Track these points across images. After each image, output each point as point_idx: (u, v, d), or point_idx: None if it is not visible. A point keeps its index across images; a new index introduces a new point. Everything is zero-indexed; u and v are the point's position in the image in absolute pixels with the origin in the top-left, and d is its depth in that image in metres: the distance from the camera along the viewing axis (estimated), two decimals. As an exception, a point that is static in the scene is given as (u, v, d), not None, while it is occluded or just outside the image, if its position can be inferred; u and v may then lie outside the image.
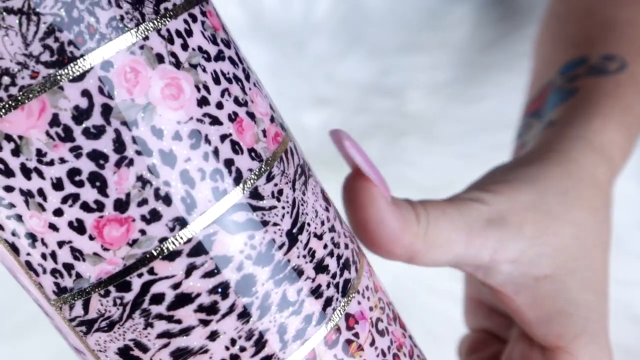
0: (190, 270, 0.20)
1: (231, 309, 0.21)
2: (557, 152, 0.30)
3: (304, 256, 0.22)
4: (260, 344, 0.21)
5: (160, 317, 0.20)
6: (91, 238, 0.19)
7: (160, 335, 0.20)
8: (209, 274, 0.20)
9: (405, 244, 0.25)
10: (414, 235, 0.25)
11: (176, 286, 0.20)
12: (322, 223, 0.23)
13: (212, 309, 0.20)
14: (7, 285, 0.42)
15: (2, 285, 0.43)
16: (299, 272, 0.22)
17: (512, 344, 0.29)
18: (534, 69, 0.39)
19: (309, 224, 0.23)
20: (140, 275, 0.19)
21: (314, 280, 0.22)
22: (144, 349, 0.21)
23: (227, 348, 0.21)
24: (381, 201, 0.25)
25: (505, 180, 0.28)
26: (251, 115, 0.21)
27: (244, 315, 0.21)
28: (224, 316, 0.21)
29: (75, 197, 0.18)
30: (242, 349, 0.21)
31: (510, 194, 0.27)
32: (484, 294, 0.32)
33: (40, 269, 0.19)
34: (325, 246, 0.23)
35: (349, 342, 0.23)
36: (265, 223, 0.21)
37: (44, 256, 0.19)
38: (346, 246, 0.24)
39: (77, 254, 0.19)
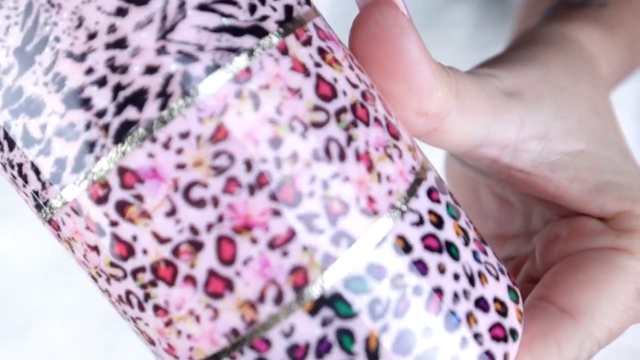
0: None
1: None
2: (543, 37, 0.28)
3: (46, 84, 0.18)
4: (22, 176, 0.19)
5: None
6: None
7: None
8: None
9: (439, 97, 0.22)
10: (449, 87, 0.22)
11: None
12: (91, 37, 0.17)
13: None
14: (7, 285, 0.42)
15: (2, 285, 0.43)
16: (39, 105, 0.18)
17: (547, 234, 0.27)
18: (514, 29, 0.38)
19: (57, 39, 0.17)
20: None
21: (63, 116, 0.18)
22: None
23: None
24: (416, 36, 0.21)
25: (508, 60, 0.26)
26: None
27: None
28: None
29: None
30: (14, 178, 0.19)
31: (518, 70, 0.25)
32: (486, 229, 0.30)
33: None
34: (90, 71, 0.17)
35: (123, 204, 0.18)
36: None
37: None
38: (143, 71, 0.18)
39: None
